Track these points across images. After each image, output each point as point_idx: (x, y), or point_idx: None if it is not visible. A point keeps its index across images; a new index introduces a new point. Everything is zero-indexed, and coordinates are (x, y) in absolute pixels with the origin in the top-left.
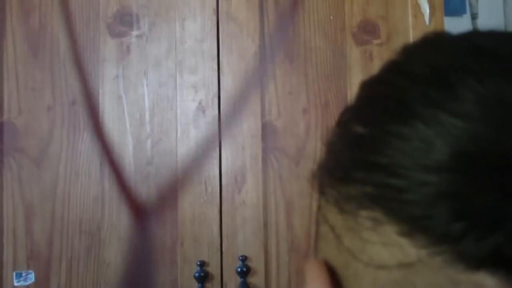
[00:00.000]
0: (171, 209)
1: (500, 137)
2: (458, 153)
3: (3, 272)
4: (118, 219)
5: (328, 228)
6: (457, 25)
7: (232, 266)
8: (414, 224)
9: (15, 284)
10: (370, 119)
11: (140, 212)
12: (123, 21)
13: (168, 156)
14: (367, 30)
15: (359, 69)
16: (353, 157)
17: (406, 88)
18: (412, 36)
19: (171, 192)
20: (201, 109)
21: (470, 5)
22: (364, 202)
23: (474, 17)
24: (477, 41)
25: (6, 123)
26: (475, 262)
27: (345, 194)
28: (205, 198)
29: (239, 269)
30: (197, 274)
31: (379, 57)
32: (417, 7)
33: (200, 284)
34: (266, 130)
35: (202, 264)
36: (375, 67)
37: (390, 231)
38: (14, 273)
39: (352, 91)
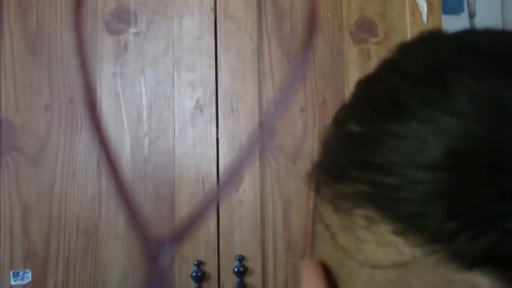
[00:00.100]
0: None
1: (494, 136)
2: (452, 151)
3: (0, 271)
4: (115, 219)
5: (324, 226)
6: (455, 24)
7: (229, 265)
8: (409, 223)
9: (12, 283)
10: (365, 117)
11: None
12: (121, 19)
13: (166, 154)
14: (364, 29)
15: (356, 67)
16: (348, 155)
17: (401, 87)
18: (409, 34)
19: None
20: (198, 107)
21: (468, 3)
22: (359, 201)
23: (472, 15)
24: (472, 40)
25: (4, 121)
26: (469, 261)
27: (340, 192)
28: (202, 196)
29: (236, 269)
30: (194, 274)
31: (377, 55)
32: (414, 6)
33: (197, 284)
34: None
35: (199, 263)
36: (373, 65)
37: (384, 230)
38: (11, 272)
39: (349, 89)
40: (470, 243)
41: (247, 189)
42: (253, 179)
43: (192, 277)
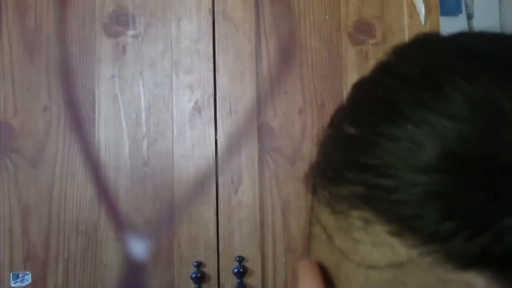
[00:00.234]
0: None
1: (488, 138)
2: (447, 153)
3: (0, 273)
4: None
5: (320, 228)
6: (452, 25)
7: (228, 267)
8: (404, 224)
9: (12, 285)
10: (361, 120)
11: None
12: (119, 21)
13: (164, 156)
14: (362, 30)
15: (354, 69)
16: (344, 157)
17: (396, 89)
18: (407, 36)
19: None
20: (197, 109)
21: (466, 5)
22: (355, 202)
23: (469, 17)
24: (467, 43)
25: (2, 123)
26: (464, 262)
27: (336, 194)
28: (201, 198)
29: (235, 270)
30: (194, 275)
31: (375, 57)
32: (412, 7)
33: (197, 285)
34: (262, 130)
35: (199, 265)
36: (371, 67)
37: (380, 231)
38: (11, 274)
39: (348, 91)
40: (465, 244)
41: (246, 191)
42: (252, 180)
43: (192, 278)
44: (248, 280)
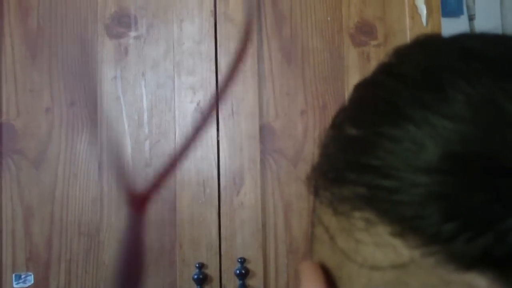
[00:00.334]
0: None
1: (490, 139)
2: (449, 154)
3: (2, 274)
4: (117, 221)
5: (323, 229)
6: (454, 27)
7: (230, 268)
8: (406, 225)
9: (15, 286)
10: (362, 121)
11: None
12: (121, 22)
13: (167, 157)
14: (364, 31)
15: (356, 70)
16: (346, 158)
17: (397, 90)
18: (409, 37)
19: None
20: (199, 110)
21: (467, 6)
22: (357, 203)
23: (471, 18)
24: (467, 44)
25: (5, 124)
26: (466, 263)
27: (338, 195)
28: (203, 200)
29: (237, 271)
30: (196, 276)
31: (377, 58)
32: (414, 8)
33: (199, 286)
34: (264, 131)
35: (201, 266)
36: (373, 68)
37: (382, 231)
38: (13, 275)
39: (349, 92)
40: (467, 244)
41: (248, 192)
42: (254, 182)
43: (194, 279)
44: (250, 282)
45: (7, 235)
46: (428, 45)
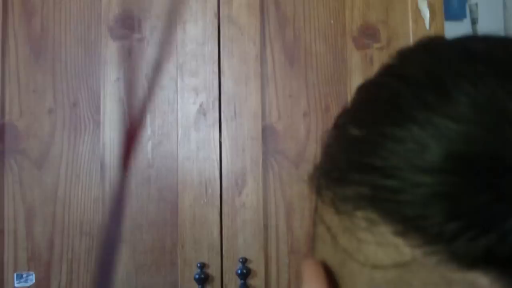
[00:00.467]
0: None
1: (493, 139)
2: (452, 154)
3: (4, 274)
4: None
5: (325, 228)
6: (457, 30)
7: (232, 268)
8: (409, 224)
9: (16, 285)
10: (366, 121)
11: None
12: (125, 24)
13: (169, 158)
14: (367, 34)
15: (359, 73)
16: (349, 158)
17: (400, 91)
18: (412, 40)
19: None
20: (202, 111)
21: (470, 10)
22: (359, 203)
23: (474, 21)
24: (471, 46)
25: (8, 124)
26: (469, 262)
27: (341, 195)
28: (205, 200)
29: (239, 271)
30: (197, 276)
31: (380, 61)
32: (417, 12)
33: (200, 286)
34: (267, 133)
35: (203, 266)
36: (375, 71)
37: (385, 231)
38: (15, 275)
39: (352, 95)
40: (470, 243)
41: (250, 193)
42: (256, 183)
43: (195, 279)
44: (251, 282)
45: (9, 234)
46: (432, 47)
